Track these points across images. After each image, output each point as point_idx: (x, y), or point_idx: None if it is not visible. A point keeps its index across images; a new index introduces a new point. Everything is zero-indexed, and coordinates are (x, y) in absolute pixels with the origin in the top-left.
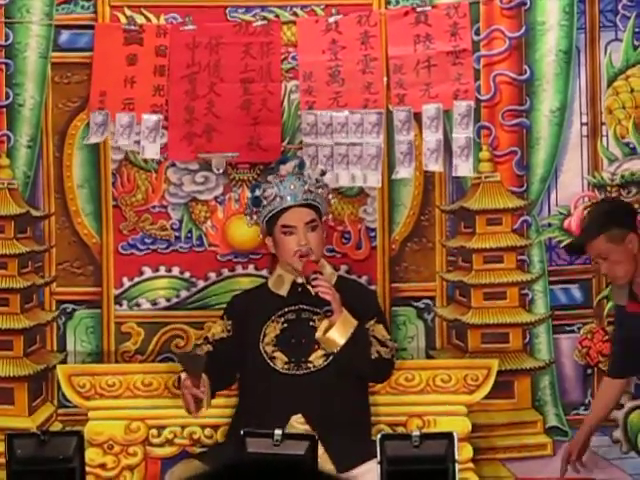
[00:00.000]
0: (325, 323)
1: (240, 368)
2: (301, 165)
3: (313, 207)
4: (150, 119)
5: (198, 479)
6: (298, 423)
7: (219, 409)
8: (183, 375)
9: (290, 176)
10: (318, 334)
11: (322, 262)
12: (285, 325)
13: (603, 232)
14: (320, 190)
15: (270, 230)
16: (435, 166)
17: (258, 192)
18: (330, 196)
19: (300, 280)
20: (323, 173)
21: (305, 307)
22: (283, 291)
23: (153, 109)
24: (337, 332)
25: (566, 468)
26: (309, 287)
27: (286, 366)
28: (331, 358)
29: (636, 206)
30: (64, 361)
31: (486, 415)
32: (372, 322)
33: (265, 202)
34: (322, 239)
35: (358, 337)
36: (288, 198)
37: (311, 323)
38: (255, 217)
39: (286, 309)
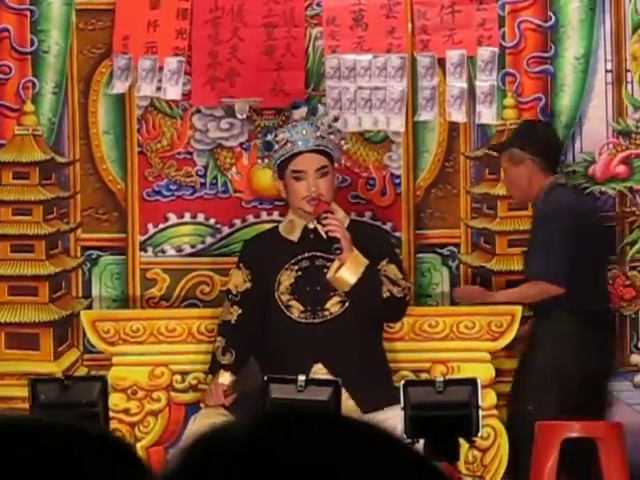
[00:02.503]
0: (336, 263)
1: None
2: (314, 110)
3: (325, 153)
4: (172, 62)
5: (232, 427)
6: (319, 373)
7: None
8: (224, 381)
9: (302, 121)
10: (329, 274)
11: (334, 206)
12: (299, 273)
13: (505, 149)
14: (332, 136)
15: (281, 174)
16: (458, 115)
17: (270, 136)
18: (343, 142)
19: (312, 225)
20: (336, 119)
21: (319, 254)
22: (294, 236)
23: (175, 52)
24: (348, 271)
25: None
26: (319, 227)
27: (302, 315)
28: (347, 304)
29: None
30: (89, 307)
31: (510, 361)
32: (384, 262)
33: (277, 146)
34: (332, 185)
35: (369, 276)
36: (299, 143)
37: (325, 270)
38: (267, 160)
39: (299, 257)
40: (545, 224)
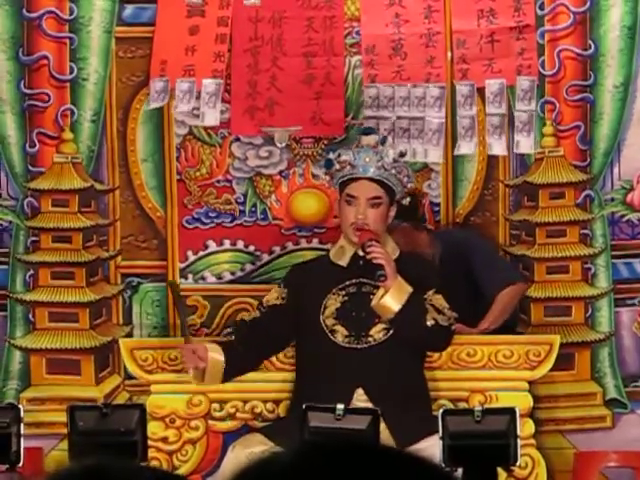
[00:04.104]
0: (380, 291)
1: (289, 339)
2: (383, 140)
3: (383, 184)
4: (210, 84)
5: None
6: (360, 400)
7: (281, 383)
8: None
9: (368, 148)
10: (373, 302)
11: (386, 237)
12: (346, 298)
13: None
14: (394, 170)
15: (340, 195)
16: (498, 147)
17: (332, 155)
18: (406, 179)
19: (361, 252)
20: (402, 154)
21: (366, 281)
22: (343, 262)
23: (214, 74)
24: (392, 298)
25: None
26: (364, 254)
27: (347, 340)
28: (391, 332)
29: None
30: (130, 334)
31: (548, 387)
32: (430, 292)
33: (338, 166)
34: (384, 217)
35: (413, 304)
36: (360, 169)
37: (372, 297)
38: (329, 178)
39: (347, 282)
40: (481, 246)
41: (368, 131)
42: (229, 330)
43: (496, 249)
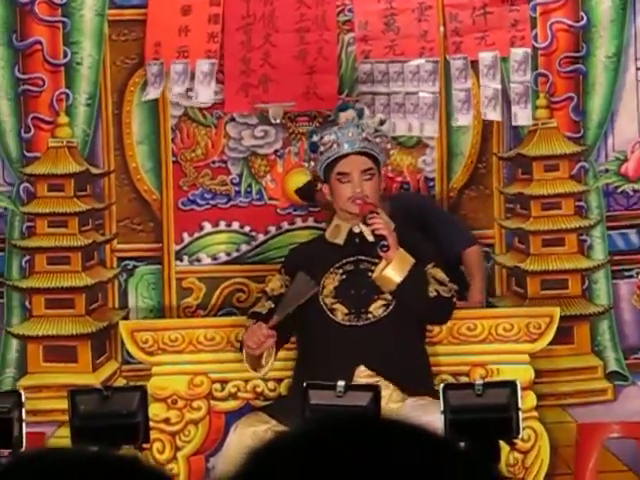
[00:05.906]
0: (382, 263)
1: (297, 323)
2: (360, 114)
3: (371, 156)
4: (204, 64)
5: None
6: (361, 377)
7: (282, 362)
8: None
9: (349, 124)
10: (375, 273)
11: (380, 211)
12: (344, 276)
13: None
14: (378, 139)
15: (327, 178)
16: (493, 114)
17: (315, 137)
18: (389, 146)
19: (357, 229)
20: (382, 122)
21: (363, 258)
22: (340, 240)
23: (207, 55)
24: (393, 270)
25: None
26: (364, 228)
27: (346, 317)
28: (391, 308)
29: None
30: (126, 318)
31: (548, 361)
32: (430, 266)
33: (322, 148)
34: (378, 188)
35: (415, 275)
36: (345, 145)
37: (370, 274)
38: (313, 164)
39: (344, 260)
40: (435, 208)
41: (344, 107)
42: (225, 311)
43: (451, 213)
